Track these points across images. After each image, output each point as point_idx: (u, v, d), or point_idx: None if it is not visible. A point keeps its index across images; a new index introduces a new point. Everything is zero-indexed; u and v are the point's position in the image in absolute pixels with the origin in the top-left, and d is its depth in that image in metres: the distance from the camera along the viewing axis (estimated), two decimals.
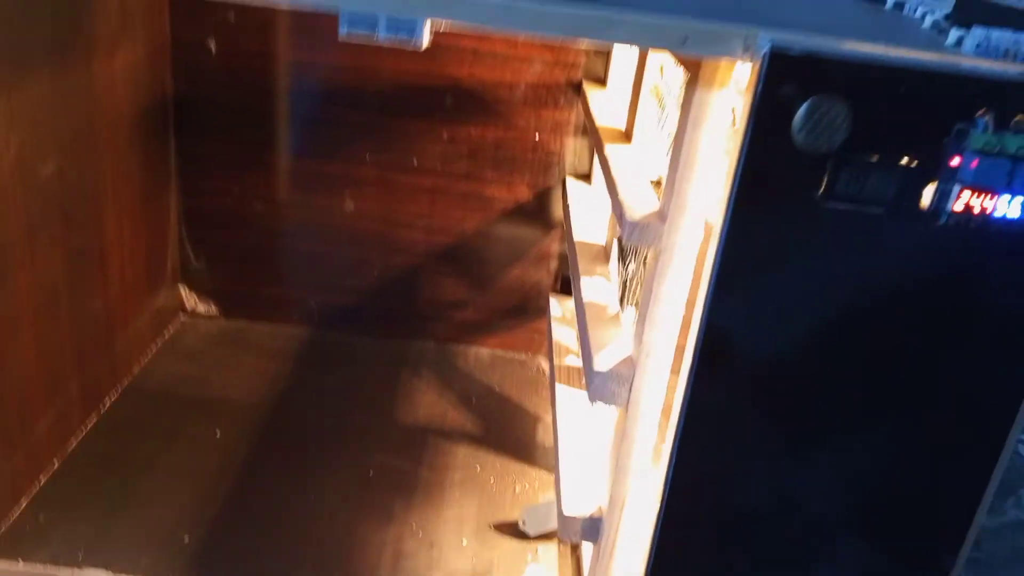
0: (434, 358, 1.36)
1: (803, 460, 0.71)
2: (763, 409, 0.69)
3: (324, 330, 1.39)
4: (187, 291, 1.40)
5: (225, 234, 1.35)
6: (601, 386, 0.75)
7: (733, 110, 0.66)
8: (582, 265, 0.98)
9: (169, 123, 1.27)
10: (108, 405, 1.16)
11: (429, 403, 1.24)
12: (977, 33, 0.65)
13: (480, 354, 1.39)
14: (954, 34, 0.67)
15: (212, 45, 1.24)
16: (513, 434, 1.19)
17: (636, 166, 0.86)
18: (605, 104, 1.12)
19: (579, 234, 1.07)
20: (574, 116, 1.27)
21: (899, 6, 0.88)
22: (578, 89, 1.25)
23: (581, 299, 0.90)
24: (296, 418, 1.18)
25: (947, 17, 0.75)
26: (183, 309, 1.40)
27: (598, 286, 0.94)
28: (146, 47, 1.18)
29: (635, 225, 0.69)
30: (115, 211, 1.12)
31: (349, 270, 1.36)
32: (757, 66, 0.58)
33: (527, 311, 1.38)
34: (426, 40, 0.60)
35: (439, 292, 1.37)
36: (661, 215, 0.70)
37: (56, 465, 1.03)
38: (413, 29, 0.59)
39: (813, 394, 0.69)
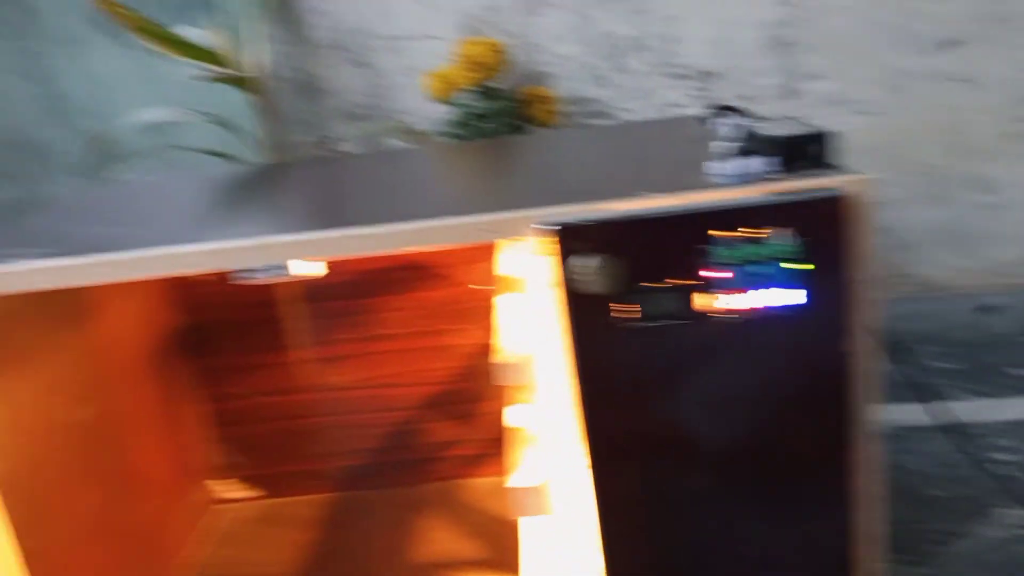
0: (440, 497, 1.51)
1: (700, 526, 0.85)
2: (661, 491, 0.84)
3: (345, 491, 1.56)
4: (222, 483, 1.59)
5: (247, 429, 1.56)
6: (518, 502, 0.89)
7: None
8: (509, 392, 1.14)
9: (186, 347, 1.50)
10: None
11: (441, 539, 1.39)
12: (725, 166, 0.82)
13: (484, 484, 1.54)
14: (715, 167, 0.84)
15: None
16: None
17: (521, 311, 1.03)
18: (513, 257, 1.30)
19: None
20: None
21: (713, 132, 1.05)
22: None
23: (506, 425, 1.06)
24: None
25: (730, 148, 0.91)
26: (219, 500, 1.59)
27: (523, 409, 1.09)
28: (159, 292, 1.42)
29: (498, 366, 0.86)
30: (140, 436, 1.33)
31: (354, 434, 1.54)
32: (557, 239, 0.77)
33: None
34: (295, 272, 0.80)
35: (433, 436, 1.54)
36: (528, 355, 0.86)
37: None
38: (282, 269, 0.79)
39: (693, 468, 0.83)
